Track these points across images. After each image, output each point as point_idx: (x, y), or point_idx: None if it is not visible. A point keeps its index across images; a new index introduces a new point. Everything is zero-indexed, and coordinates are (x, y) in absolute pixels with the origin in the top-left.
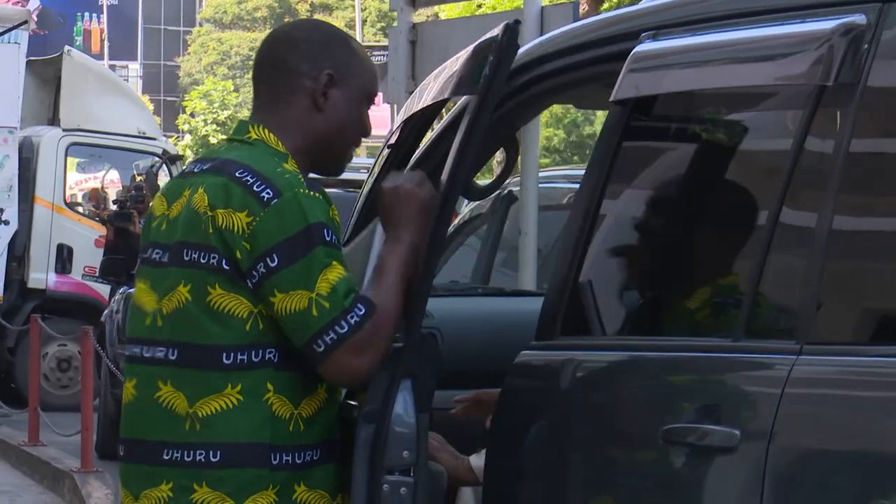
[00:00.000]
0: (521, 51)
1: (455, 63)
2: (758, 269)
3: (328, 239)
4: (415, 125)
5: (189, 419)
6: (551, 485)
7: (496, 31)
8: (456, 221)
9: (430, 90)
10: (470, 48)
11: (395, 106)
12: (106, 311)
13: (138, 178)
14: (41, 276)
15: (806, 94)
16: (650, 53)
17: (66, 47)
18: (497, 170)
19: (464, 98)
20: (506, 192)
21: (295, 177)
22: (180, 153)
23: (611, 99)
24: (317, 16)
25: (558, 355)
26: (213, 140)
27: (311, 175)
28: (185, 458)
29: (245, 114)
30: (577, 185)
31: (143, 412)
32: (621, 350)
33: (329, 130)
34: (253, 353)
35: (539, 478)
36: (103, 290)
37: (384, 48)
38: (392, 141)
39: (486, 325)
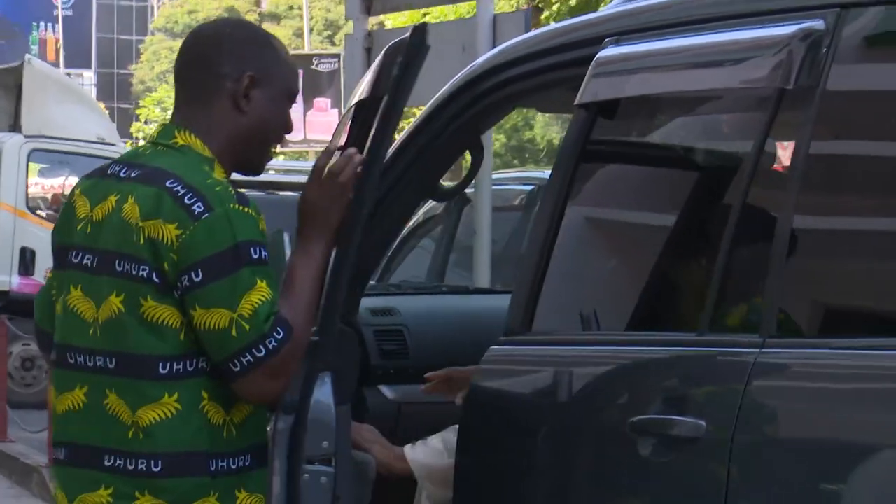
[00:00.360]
0: (486, 56)
1: (373, 65)
2: (721, 267)
3: (255, 257)
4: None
5: (133, 427)
6: (522, 475)
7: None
8: (410, 224)
9: (355, 93)
10: (383, 51)
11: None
12: None
13: None
14: (5, 278)
15: (766, 98)
16: (614, 58)
17: (27, 56)
18: (461, 173)
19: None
20: None
21: (226, 189)
22: None
23: (575, 102)
24: (265, 25)
25: (528, 350)
26: None
27: (234, 175)
28: (128, 466)
29: None
30: (528, 187)
31: (91, 419)
32: (589, 345)
33: (252, 130)
34: (187, 362)
35: (510, 468)
36: None
37: (333, 56)
38: (341, 143)
39: (452, 321)
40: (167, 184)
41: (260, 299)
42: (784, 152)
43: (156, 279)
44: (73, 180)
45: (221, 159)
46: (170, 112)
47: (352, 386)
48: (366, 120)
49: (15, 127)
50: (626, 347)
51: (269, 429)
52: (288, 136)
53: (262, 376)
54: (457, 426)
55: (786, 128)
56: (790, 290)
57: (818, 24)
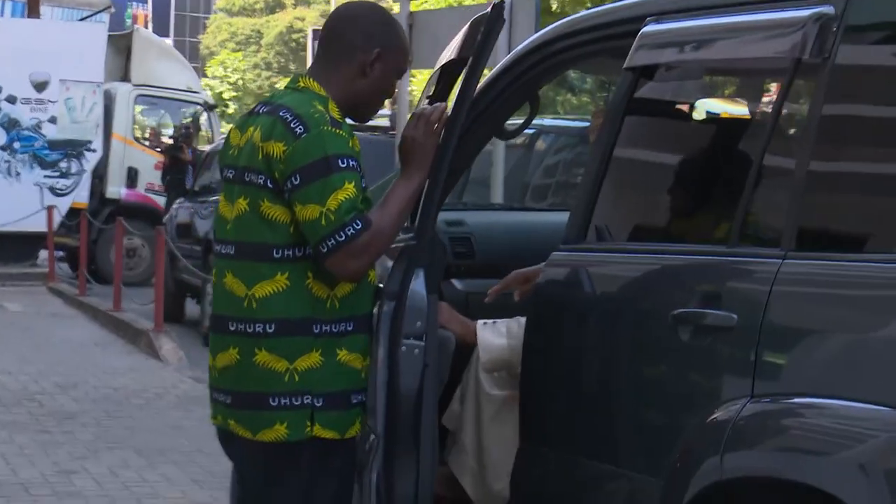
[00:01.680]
0: (549, 27)
1: (459, 34)
2: (749, 195)
3: (342, 166)
4: (444, 83)
5: (248, 299)
6: (580, 353)
7: (488, 8)
8: None
9: (443, 56)
10: (468, 22)
11: None
12: (166, 216)
13: (185, 121)
14: (116, 189)
15: (785, 67)
16: (656, 32)
17: (136, 26)
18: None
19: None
20: None
21: (322, 116)
22: (215, 103)
23: (624, 66)
24: (298, 8)
25: (586, 256)
26: (226, 96)
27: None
28: (248, 330)
29: (249, 77)
30: (530, 131)
31: (219, 295)
32: (637, 253)
33: (368, 93)
34: (296, 249)
35: (571, 348)
36: (160, 200)
37: None
38: (430, 93)
39: (508, 231)
40: (280, 114)
41: (345, 197)
42: (801, 108)
43: (269, 185)
44: (168, 118)
45: (341, 106)
46: (229, 70)
47: (439, 279)
48: (451, 78)
49: (125, 78)
50: (670, 256)
51: (374, 310)
52: None
53: (343, 256)
54: (519, 317)
55: (802, 90)
56: (806, 216)
57: (828, 9)
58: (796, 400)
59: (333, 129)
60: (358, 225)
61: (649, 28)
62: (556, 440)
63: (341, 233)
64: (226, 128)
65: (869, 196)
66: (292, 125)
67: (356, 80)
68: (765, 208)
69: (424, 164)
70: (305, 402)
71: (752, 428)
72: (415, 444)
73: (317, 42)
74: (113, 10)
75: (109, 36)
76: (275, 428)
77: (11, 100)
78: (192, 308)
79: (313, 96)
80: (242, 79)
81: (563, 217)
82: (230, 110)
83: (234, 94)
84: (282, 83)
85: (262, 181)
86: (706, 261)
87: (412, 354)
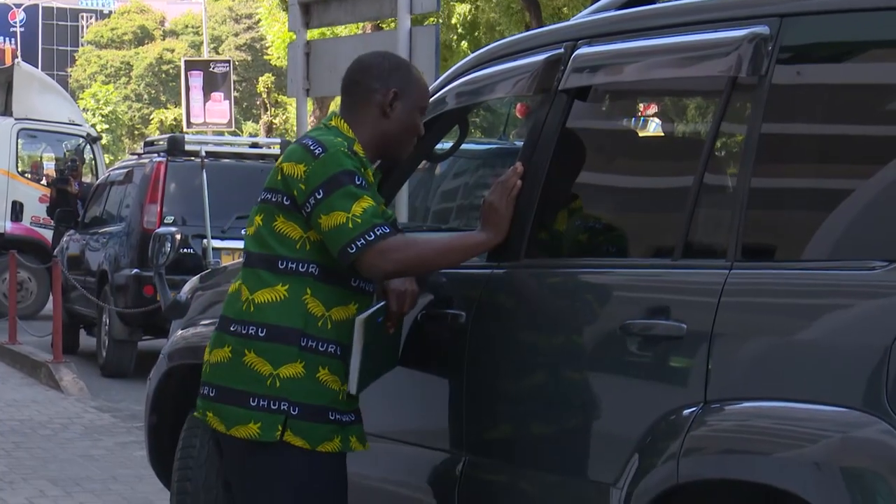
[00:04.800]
0: (471, 56)
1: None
2: (688, 215)
3: (358, 182)
4: None
5: (247, 303)
6: (534, 371)
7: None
8: None
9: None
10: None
11: (296, 100)
12: (58, 248)
13: (66, 154)
14: (1, 222)
15: (721, 88)
16: (590, 54)
17: (17, 59)
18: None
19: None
20: None
21: (342, 143)
22: (99, 136)
23: (559, 88)
24: (168, 40)
25: (528, 272)
26: (98, 128)
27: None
28: (242, 331)
29: (121, 109)
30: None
31: (227, 298)
32: (587, 268)
33: (392, 132)
34: (300, 264)
35: (523, 364)
36: (46, 233)
37: (224, 61)
38: None
39: None
40: (303, 141)
41: (368, 205)
42: (739, 126)
43: (286, 203)
44: (49, 152)
45: (369, 148)
46: (101, 103)
47: None
48: None
49: (6, 112)
50: (617, 270)
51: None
52: (192, 120)
53: (374, 254)
54: None
55: (739, 108)
56: (747, 230)
57: (763, 29)
58: (748, 404)
59: (349, 153)
60: (386, 229)
61: (583, 50)
62: (507, 452)
63: (370, 233)
64: (107, 160)
65: (806, 208)
66: (311, 147)
67: (380, 122)
68: (710, 223)
69: (501, 227)
70: (282, 407)
71: (707, 432)
72: None
73: (341, 92)
74: None
75: None
76: (248, 426)
77: None
78: (86, 340)
79: (338, 133)
80: (114, 111)
81: None
82: (104, 141)
83: (107, 126)
84: (156, 114)
85: (278, 199)
86: (653, 273)
87: None
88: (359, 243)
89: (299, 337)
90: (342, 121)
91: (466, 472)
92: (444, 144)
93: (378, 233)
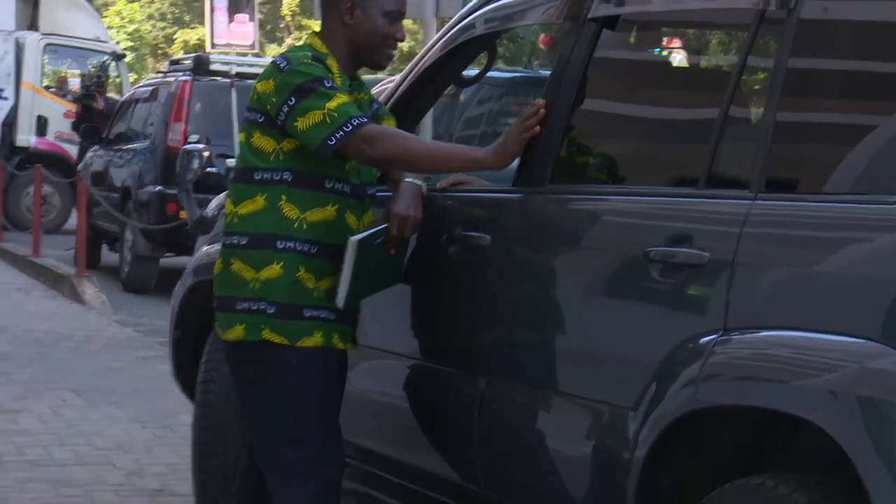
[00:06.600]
0: None
1: None
2: (713, 146)
3: (328, 84)
4: None
5: (232, 215)
6: (554, 296)
7: None
8: None
9: None
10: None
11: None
12: (82, 164)
13: (92, 70)
14: (26, 137)
15: (750, 19)
16: None
17: None
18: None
19: None
20: None
21: (306, 55)
22: (124, 53)
23: (587, 17)
24: None
25: (552, 197)
26: (123, 45)
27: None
28: (228, 242)
29: (146, 28)
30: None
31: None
32: (611, 195)
33: (358, 39)
34: (274, 173)
35: (544, 289)
36: (70, 149)
37: None
38: None
39: None
40: (274, 59)
41: (340, 102)
42: (767, 59)
43: (261, 120)
44: (75, 68)
45: (343, 59)
46: (125, 21)
47: None
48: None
49: (32, 27)
50: (641, 198)
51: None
52: (216, 41)
53: (357, 140)
54: None
55: (767, 41)
56: (773, 161)
57: None
58: (767, 333)
59: (312, 62)
60: (364, 119)
61: None
62: (527, 374)
63: (348, 124)
64: (131, 78)
65: (831, 143)
66: (278, 62)
67: (345, 31)
68: (735, 154)
69: (502, 156)
70: (261, 307)
71: (726, 359)
72: None
73: None
74: None
75: None
76: (235, 328)
77: None
78: (107, 255)
79: (311, 49)
80: (139, 30)
81: None
82: (128, 59)
83: (131, 44)
84: (180, 34)
85: (254, 117)
86: (677, 202)
87: None
88: (338, 135)
89: (275, 240)
90: (315, 38)
91: (487, 393)
92: (471, 71)
93: (356, 122)
